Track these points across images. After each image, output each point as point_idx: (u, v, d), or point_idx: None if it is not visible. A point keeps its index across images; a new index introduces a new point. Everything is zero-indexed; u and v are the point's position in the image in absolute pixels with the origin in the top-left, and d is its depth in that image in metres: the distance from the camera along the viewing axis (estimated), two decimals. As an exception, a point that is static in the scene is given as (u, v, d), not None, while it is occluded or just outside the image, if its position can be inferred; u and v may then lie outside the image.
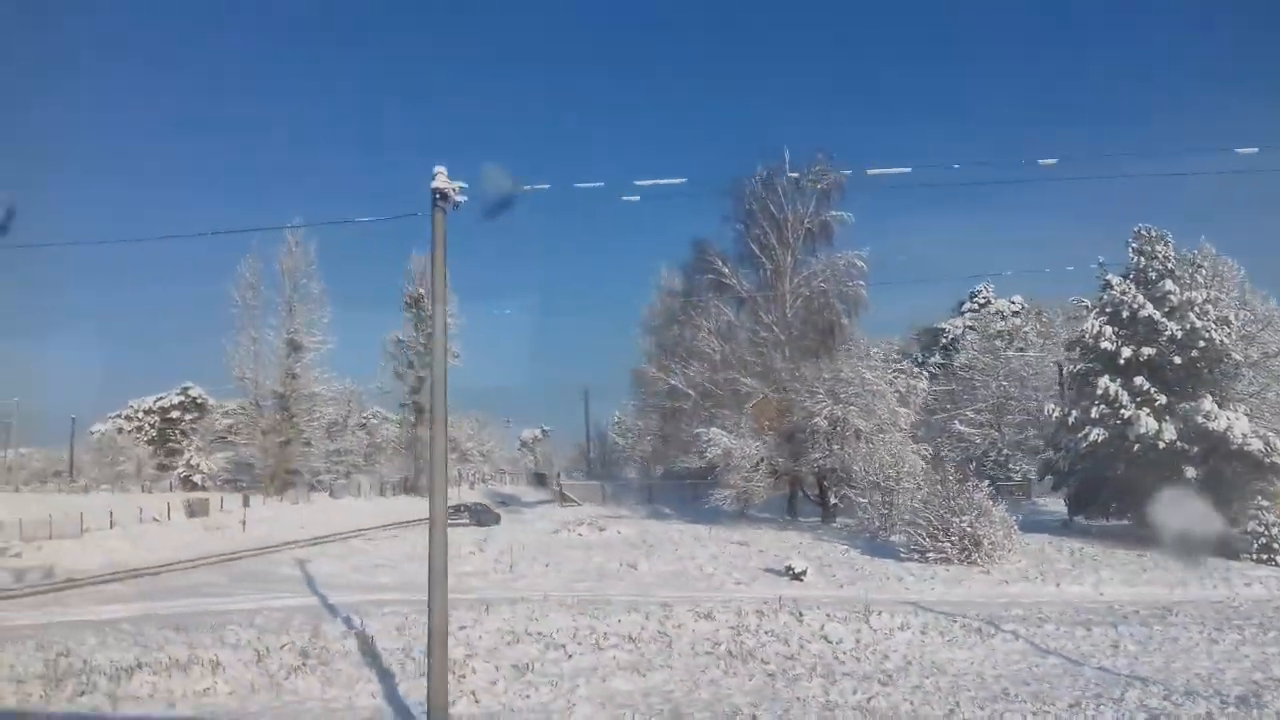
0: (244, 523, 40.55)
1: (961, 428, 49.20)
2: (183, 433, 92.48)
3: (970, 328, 78.96)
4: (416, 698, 13.06)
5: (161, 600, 21.23)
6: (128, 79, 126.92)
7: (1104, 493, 32.13)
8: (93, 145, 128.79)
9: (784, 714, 12.98)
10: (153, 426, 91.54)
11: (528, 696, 13.50)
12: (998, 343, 53.37)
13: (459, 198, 11.34)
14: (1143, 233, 33.07)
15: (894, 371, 37.37)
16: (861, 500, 30.65)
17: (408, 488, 64.46)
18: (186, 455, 60.00)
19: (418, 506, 57.65)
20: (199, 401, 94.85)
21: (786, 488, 38.46)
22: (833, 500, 36.25)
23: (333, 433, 59.72)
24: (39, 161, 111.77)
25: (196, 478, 57.93)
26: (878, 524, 29.69)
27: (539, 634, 16.53)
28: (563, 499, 49.27)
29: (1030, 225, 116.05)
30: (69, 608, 20.30)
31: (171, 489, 56.03)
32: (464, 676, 14.14)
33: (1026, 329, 57.34)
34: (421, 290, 66.11)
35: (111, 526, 38.85)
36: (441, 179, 11.24)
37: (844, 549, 28.35)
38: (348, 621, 17.44)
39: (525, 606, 18.83)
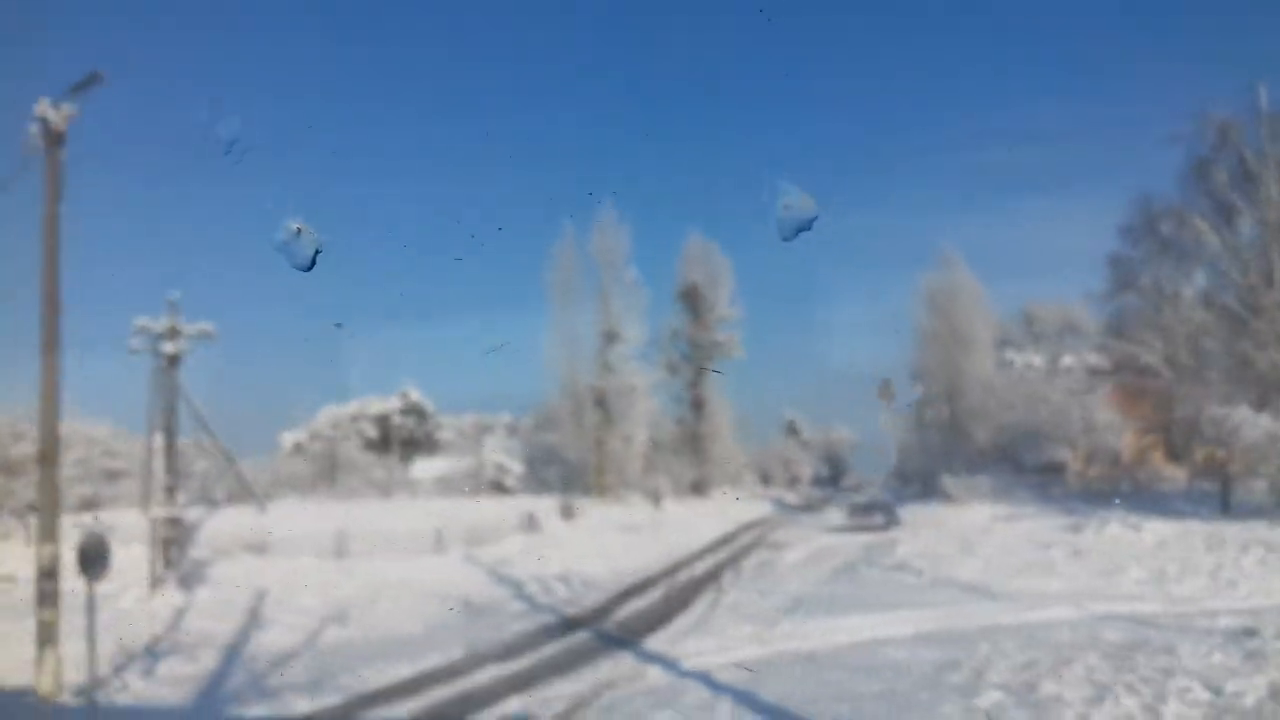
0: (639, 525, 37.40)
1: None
2: (404, 440, 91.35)
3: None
4: None
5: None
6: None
7: None
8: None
9: None
10: (360, 434, 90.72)
11: None
12: None
13: None
14: None
15: None
16: None
17: (694, 488, 61.03)
18: (495, 458, 57.42)
19: (730, 508, 54.22)
20: (419, 406, 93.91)
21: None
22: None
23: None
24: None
25: (508, 480, 55.31)
26: None
27: None
28: (946, 498, 44.99)
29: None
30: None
31: (475, 493, 53.72)
32: None
33: None
34: (696, 279, 62.86)
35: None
36: None
37: None
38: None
39: None
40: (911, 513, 41.91)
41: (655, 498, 39.91)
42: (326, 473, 76.60)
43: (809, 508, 59.46)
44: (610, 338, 51.00)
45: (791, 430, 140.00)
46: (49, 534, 11.18)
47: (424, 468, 78.24)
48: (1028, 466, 49.63)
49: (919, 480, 63.00)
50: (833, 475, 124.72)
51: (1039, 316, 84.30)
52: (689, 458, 61.51)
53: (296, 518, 39.47)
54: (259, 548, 30.66)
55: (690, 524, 40.64)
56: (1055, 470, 48.90)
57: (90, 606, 11.09)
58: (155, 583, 25.38)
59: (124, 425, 48.23)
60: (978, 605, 18.17)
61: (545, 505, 41.55)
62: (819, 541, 33.77)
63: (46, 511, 11.45)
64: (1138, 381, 37.54)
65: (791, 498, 72.83)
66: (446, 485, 65.22)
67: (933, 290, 63.53)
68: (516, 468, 55.93)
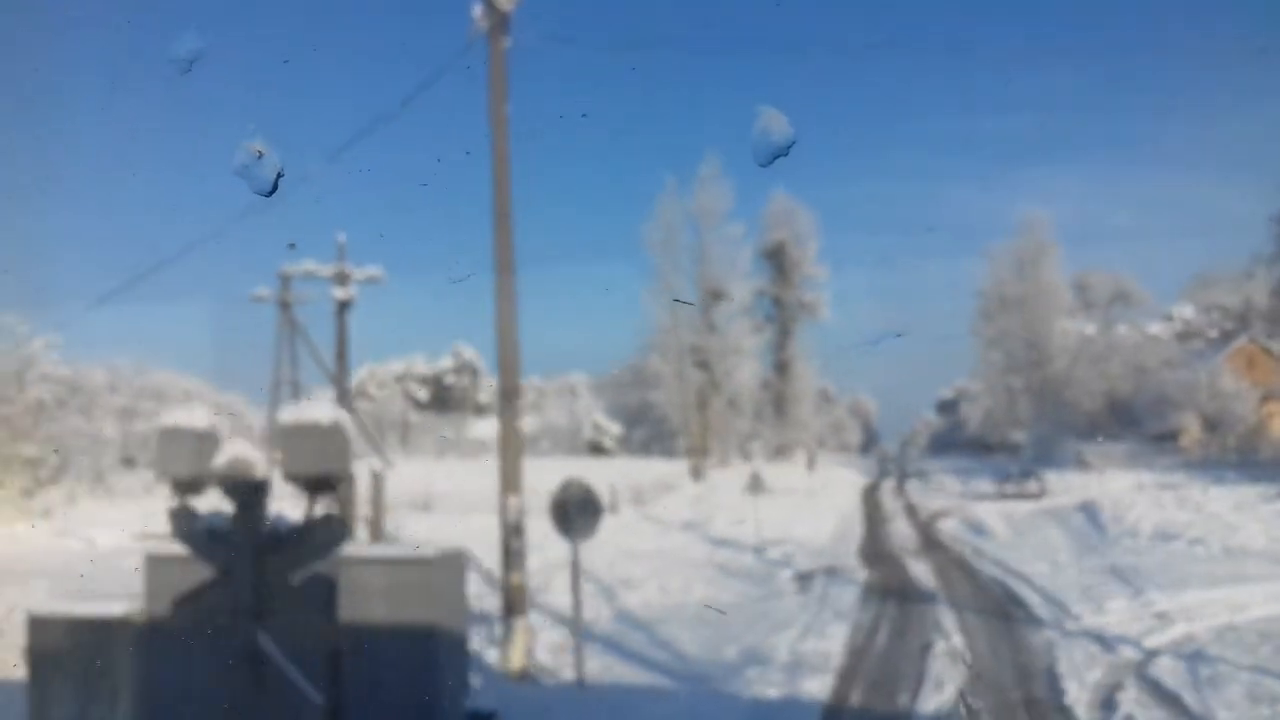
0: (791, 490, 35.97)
1: None
2: (458, 398, 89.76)
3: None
4: None
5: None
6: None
7: None
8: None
9: None
10: (408, 394, 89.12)
11: None
12: None
13: None
14: None
15: None
16: None
17: (779, 452, 59.61)
18: (592, 418, 55.85)
19: (832, 473, 52.86)
20: (472, 365, 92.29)
21: None
22: None
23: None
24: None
25: (606, 441, 53.81)
26: None
27: None
28: (1083, 466, 43.52)
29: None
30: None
31: (564, 453, 52.32)
32: None
33: None
34: (783, 236, 61.10)
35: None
36: None
37: None
38: None
39: None
40: (1051, 482, 40.42)
41: (811, 459, 38.52)
42: (387, 431, 75.15)
43: (898, 475, 58.14)
44: (714, 296, 49.16)
45: (825, 397, 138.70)
46: (512, 483, 9.59)
47: (482, 428, 76.67)
48: (1146, 433, 48.26)
49: (1004, 450, 61.70)
50: (865, 443, 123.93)
51: (1091, 285, 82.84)
52: (772, 421, 59.98)
53: (426, 476, 38.03)
54: (423, 504, 29.29)
55: (824, 489, 39.29)
56: (1170, 437, 47.51)
57: (575, 570, 9.56)
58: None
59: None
60: None
61: (672, 469, 40.16)
62: (983, 509, 32.24)
63: (510, 457, 9.85)
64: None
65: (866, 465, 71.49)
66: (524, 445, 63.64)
67: (1015, 255, 61.86)
68: (614, 428, 54.35)
